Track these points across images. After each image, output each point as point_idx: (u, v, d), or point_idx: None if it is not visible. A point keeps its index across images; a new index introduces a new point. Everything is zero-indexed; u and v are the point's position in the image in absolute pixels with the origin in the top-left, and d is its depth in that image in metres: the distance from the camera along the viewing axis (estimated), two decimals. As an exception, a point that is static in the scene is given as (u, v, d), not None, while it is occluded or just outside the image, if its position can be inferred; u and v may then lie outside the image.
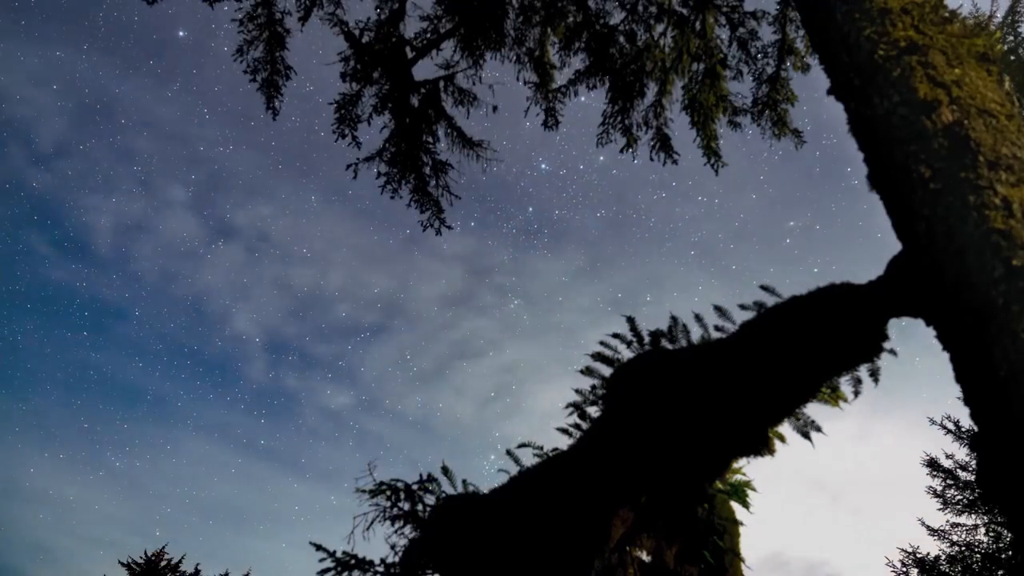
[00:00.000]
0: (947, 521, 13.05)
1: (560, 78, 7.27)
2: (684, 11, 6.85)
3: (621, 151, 7.42)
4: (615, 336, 4.87)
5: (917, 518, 13.29)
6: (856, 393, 3.78)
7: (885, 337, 3.02)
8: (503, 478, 3.74)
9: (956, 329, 1.86)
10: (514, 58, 7.08)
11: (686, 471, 3.58)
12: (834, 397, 3.99)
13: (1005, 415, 1.61)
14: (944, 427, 13.07)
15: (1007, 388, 1.59)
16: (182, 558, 16.50)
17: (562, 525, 3.31)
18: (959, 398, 1.90)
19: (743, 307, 3.94)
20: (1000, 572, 12.09)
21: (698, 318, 4.47)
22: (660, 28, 6.93)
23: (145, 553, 16.16)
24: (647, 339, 4.76)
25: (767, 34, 6.91)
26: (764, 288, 3.77)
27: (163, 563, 16.17)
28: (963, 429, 12.94)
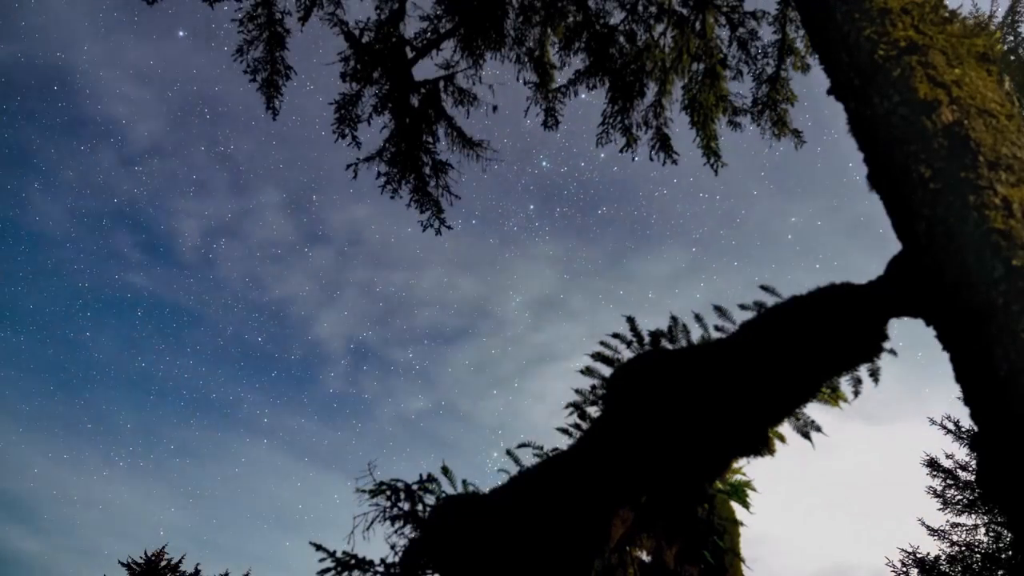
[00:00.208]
0: (947, 521, 13.06)
1: (560, 78, 7.28)
2: (684, 11, 6.85)
3: (621, 151, 7.42)
4: (615, 336, 4.86)
5: (917, 518, 13.31)
6: (856, 393, 3.78)
7: (885, 337, 3.02)
8: (503, 478, 3.75)
9: (956, 329, 1.85)
10: (514, 58, 7.08)
11: (686, 471, 3.58)
12: (834, 397, 3.98)
13: (1005, 415, 1.61)
14: (944, 427, 13.07)
15: (1007, 388, 1.59)
16: (182, 558, 16.51)
17: (562, 525, 3.31)
18: (959, 398, 1.90)
19: (743, 307, 3.93)
20: (1000, 572, 12.08)
21: (698, 318, 4.47)
22: (660, 28, 6.93)
23: (145, 553, 16.16)
24: (647, 339, 4.76)
25: (767, 34, 6.92)
26: (764, 288, 3.77)
27: (163, 563, 16.17)
28: (963, 429, 12.95)
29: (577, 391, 4.90)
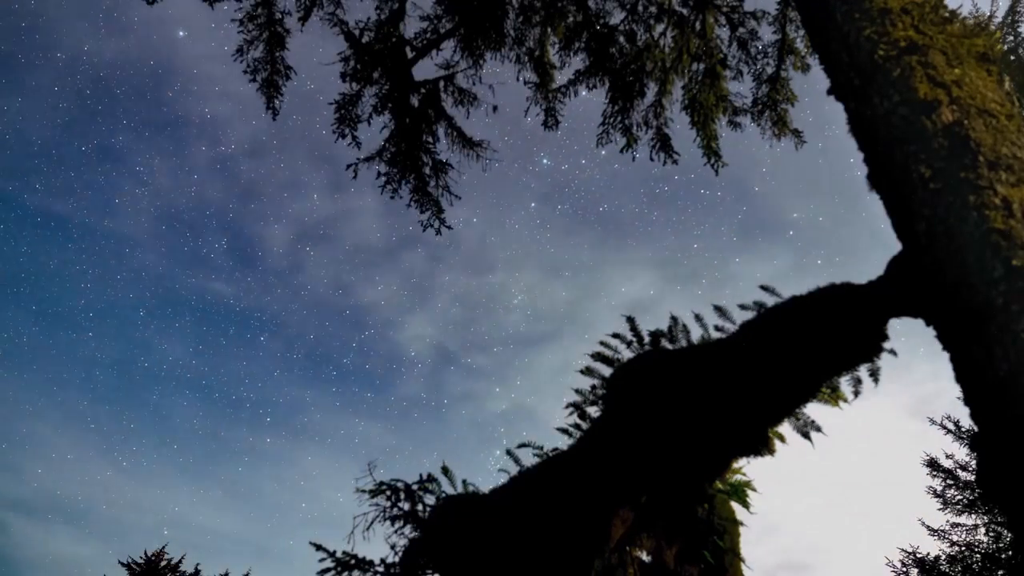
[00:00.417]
0: (947, 521, 13.06)
1: (560, 78, 7.28)
2: (684, 11, 6.85)
3: (621, 151, 7.43)
4: (615, 336, 4.86)
5: (917, 518, 13.32)
6: (856, 393, 3.78)
7: (885, 337, 3.01)
8: (503, 478, 3.75)
9: (956, 329, 1.85)
10: (514, 58, 7.08)
11: (686, 471, 3.58)
12: (834, 397, 3.98)
13: (1005, 415, 1.61)
14: (944, 427, 13.07)
15: (1007, 388, 1.59)
16: (182, 558, 16.49)
17: (562, 525, 3.31)
18: (959, 398, 1.90)
19: (743, 307, 3.93)
20: (1000, 572, 12.08)
21: (698, 318, 4.47)
22: (660, 28, 6.94)
23: (145, 553, 16.16)
24: (647, 339, 4.76)
25: (767, 34, 6.92)
26: (764, 288, 3.77)
27: (163, 563, 16.17)
28: (963, 429, 12.94)
29: (577, 391, 4.90)
